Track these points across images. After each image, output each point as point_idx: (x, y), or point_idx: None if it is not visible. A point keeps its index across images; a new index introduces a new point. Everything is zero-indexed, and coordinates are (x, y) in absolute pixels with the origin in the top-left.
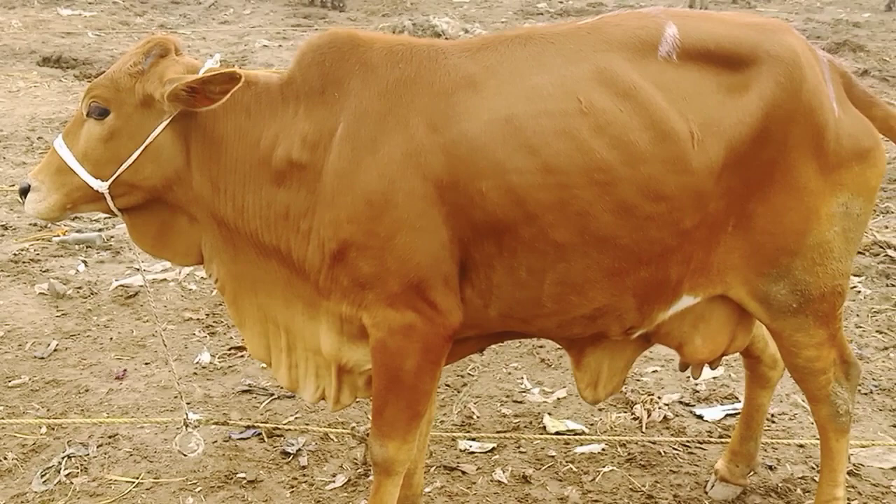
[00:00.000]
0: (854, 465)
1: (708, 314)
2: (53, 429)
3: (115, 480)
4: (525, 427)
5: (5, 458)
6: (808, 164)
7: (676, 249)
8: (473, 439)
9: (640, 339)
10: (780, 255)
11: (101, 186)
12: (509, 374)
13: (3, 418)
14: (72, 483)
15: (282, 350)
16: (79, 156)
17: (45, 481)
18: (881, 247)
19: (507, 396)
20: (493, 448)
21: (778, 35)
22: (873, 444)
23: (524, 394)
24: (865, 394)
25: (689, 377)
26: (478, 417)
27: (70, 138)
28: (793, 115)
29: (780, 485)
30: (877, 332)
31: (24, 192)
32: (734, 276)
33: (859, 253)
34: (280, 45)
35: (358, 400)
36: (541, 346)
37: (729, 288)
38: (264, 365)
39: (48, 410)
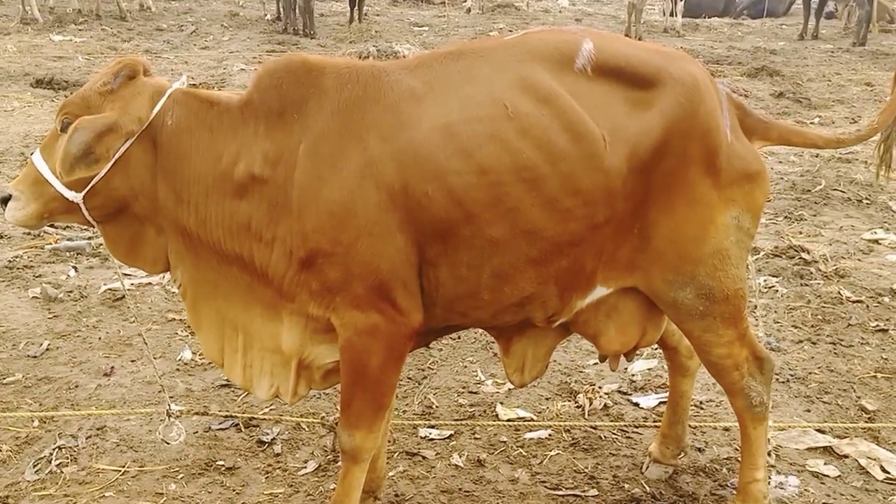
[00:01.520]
0: (773, 446)
1: (621, 306)
2: (45, 422)
3: (103, 469)
4: (479, 415)
5: (0, 450)
6: (704, 178)
7: (590, 241)
8: (433, 427)
9: (560, 328)
10: (682, 262)
11: (75, 197)
12: (465, 367)
13: None
14: (62, 472)
15: (237, 350)
16: (54, 168)
17: (37, 471)
18: (796, 250)
19: (464, 388)
20: (451, 435)
21: (681, 62)
22: (790, 427)
23: (479, 385)
24: (783, 382)
25: (626, 368)
26: (437, 407)
27: (46, 152)
28: (690, 133)
29: (707, 465)
30: (792, 326)
31: (5, 201)
32: (641, 275)
33: (776, 256)
34: (256, 69)
35: (323, 393)
36: (493, 342)
37: (638, 283)
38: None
39: (40, 405)
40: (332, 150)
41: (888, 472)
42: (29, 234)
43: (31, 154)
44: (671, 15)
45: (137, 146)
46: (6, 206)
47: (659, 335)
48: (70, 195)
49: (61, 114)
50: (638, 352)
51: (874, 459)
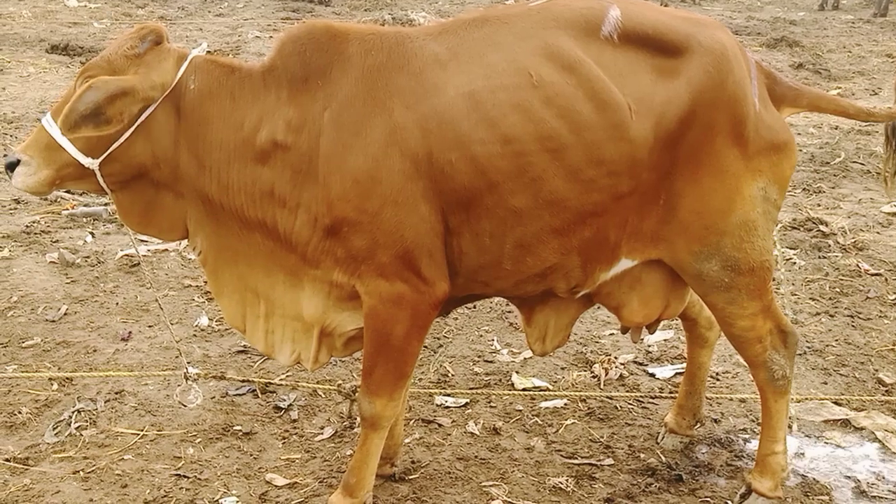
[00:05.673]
0: (790, 417)
1: (645, 278)
2: (64, 385)
3: (122, 432)
4: (495, 384)
5: (20, 413)
6: (731, 149)
7: (614, 212)
8: (449, 395)
9: (583, 299)
10: (708, 233)
11: (91, 163)
12: (481, 336)
13: (17, 376)
14: (81, 435)
15: (259, 317)
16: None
17: (56, 433)
18: (814, 223)
19: (479, 356)
20: (467, 403)
21: (710, 30)
22: (807, 399)
23: (494, 354)
24: (800, 354)
25: (642, 339)
26: (453, 375)
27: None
28: (717, 102)
29: (723, 436)
30: (810, 299)
31: (12, 166)
32: (666, 248)
33: (794, 228)
34: (271, 37)
35: (340, 360)
36: (509, 311)
37: (663, 255)
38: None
39: (59, 369)
40: (357, 118)
41: None
42: (46, 199)
43: (42, 118)
44: None
45: (161, 112)
46: (13, 171)
47: (682, 307)
48: (86, 161)
49: (83, 76)
50: (660, 323)
51: (891, 432)
